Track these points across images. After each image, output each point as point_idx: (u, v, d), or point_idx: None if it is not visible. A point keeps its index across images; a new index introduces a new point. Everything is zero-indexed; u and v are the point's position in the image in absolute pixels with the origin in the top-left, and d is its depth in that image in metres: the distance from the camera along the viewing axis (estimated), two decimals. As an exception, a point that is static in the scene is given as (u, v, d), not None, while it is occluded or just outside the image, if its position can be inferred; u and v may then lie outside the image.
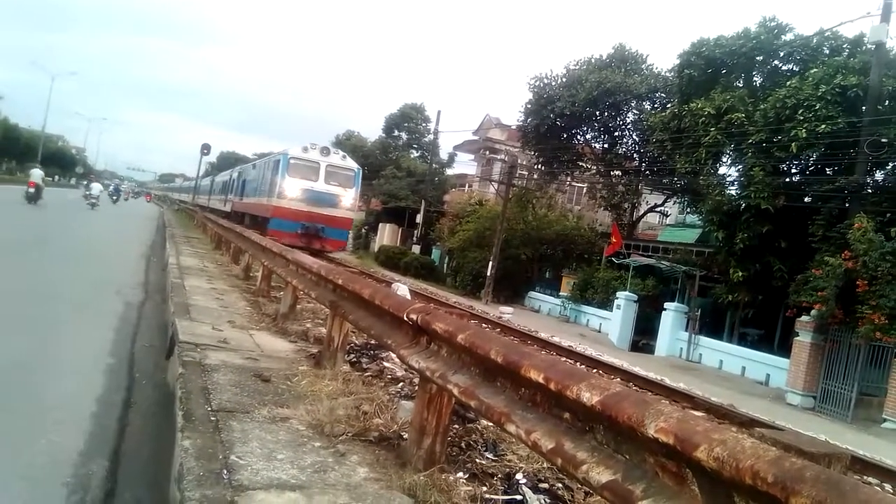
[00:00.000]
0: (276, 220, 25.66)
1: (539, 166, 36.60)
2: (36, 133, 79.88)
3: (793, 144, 18.50)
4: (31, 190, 28.67)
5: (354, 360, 6.99)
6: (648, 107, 30.88)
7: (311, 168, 26.57)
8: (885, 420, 15.39)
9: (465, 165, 55.47)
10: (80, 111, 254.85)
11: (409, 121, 57.81)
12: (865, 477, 7.56)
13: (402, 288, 14.26)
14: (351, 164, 28.45)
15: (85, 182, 55.65)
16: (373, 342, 7.31)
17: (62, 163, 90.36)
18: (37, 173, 31.19)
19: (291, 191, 25.99)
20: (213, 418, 4.36)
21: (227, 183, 45.25)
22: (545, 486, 4.09)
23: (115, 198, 52.79)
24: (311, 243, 25.06)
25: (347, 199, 27.33)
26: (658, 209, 35.13)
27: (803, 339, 17.57)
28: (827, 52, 21.72)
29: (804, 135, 18.11)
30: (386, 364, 6.87)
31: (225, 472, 3.52)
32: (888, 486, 7.63)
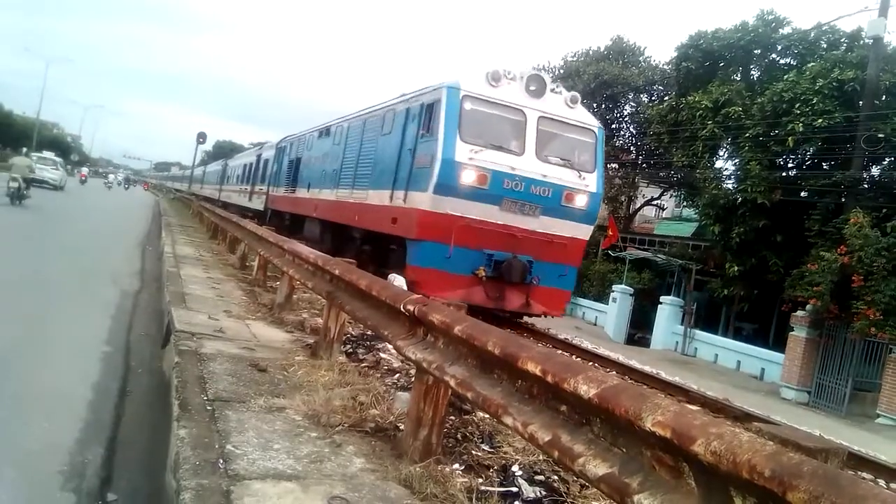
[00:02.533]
0: (429, 247, 11.55)
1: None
2: (30, 120, 79.43)
3: (789, 139, 18.54)
4: (83, 178, 56.94)
5: (351, 350, 7.00)
6: (646, 99, 30.92)
7: (507, 122, 11.99)
8: (878, 416, 15.49)
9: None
10: (76, 99, 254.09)
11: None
12: (860, 472, 7.59)
13: (399, 279, 14.24)
14: (587, 117, 13.06)
15: (105, 172, 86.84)
16: (369, 333, 7.31)
17: (57, 150, 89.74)
18: (85, 169, 62.84)
19: (467, 176, 11.33)
20: (209, 407, 4.36)
21: (253, 167, 30.97)
22: (541, 478, 4.10)
23: (126, 186, 72.14)
24: (507, 298, 11.99)
25: (583, 197, 12.21)
26: (654, 202, 35.19)
27: (798, 333, 17.66)
28: (824, 46, 21.75)
29: (801, 129, 18.15)
30: (382, 355, 6.87)
31: (221, 461, 3.52)
32: (882, 482, 7.67)
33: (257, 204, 27.55)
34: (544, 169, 11.81)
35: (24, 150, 40.37)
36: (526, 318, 13.59)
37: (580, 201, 12.11)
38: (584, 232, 12.60)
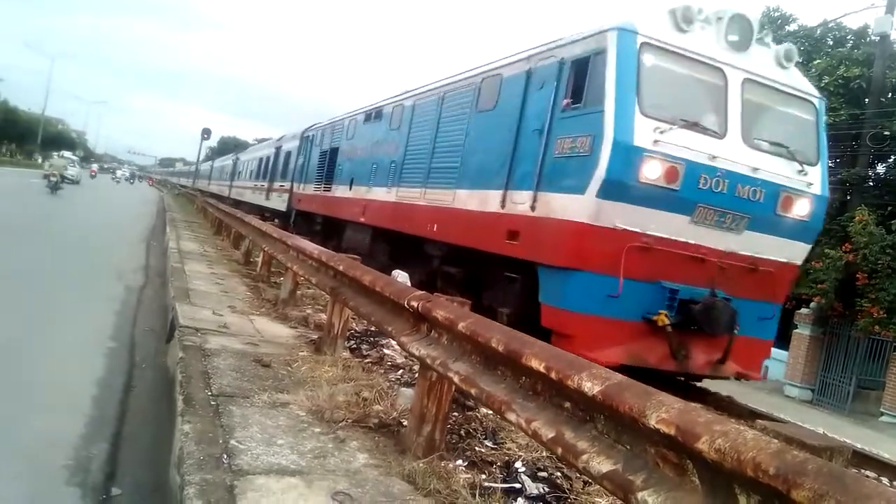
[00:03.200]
0: (583, 280, 7.50)
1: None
2: (35, 116, 79.83)
3: (795, 136, 18.48)
4: (93, 174, 61.98)
5: (354, 346, 7.00)
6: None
7: (702, 87, 8.04)
8: (882, 414, 15.48)
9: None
10: (81, 94, 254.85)
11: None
12: (864, 471, 7.58)
13: (402, 275, 14.24)
14: (803, 82, 9.06)
15: (112, 169, 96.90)
16: (373, 329, 7.31)
17: (62, 146, 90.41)
18: (95, 166, 69.64)
19: (652, 169, 7.36)
20: (213, 403, 4.37)
21: (271, 160, 27.41)
22: (544, 474, 4.10)
23: (131, 181, 77.51)
24: (694, 356, 7.96)
25: (804, 203, 8.33)
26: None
27: (802, 331, 17.63)
28: (830, 43, 21.69)
29: (807, 126, 18.08)
30: (386, 351, 6.88)
31: (225, 456, 3.53)
32: (885, 480, 7.66)
33: (277, 203, 24.00)
34: (754, 159, 7.95)
35: (62, 152, 50.22)
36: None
37: (801, 208, 8.26)
38: (799, 253, 8.65)
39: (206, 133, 48.05)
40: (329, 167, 18.01)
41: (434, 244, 11.16)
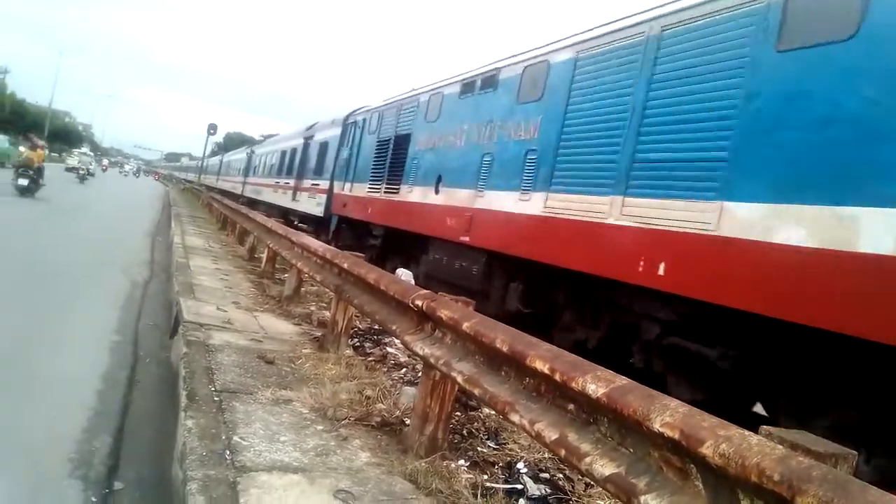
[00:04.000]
0: None
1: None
2: (42, 108, 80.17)
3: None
4: (105, 168, 69.04)
5: (358, 344, 7.00)
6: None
7: None
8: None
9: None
10: (88, 87, 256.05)
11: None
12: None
13: (406, 273, 14.16)
14: None
15: (121, 163, 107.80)
16: (377, 327, 7.31)
17: (69, 139, 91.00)
18: (105, 161, 77.82)
19: None
20: (216, 398, 4.37)
21: (298, 153, 22.91)
22: (546, 476, 4.09)
23: (137, 175, 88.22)
24: None
25: None
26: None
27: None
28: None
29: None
30: (389, 349, 6.88)
31: (227, 452, 3.53)
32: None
33: (310, 206, 19.59)
34: None
35: (83, 149, 57.69)
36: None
37: None
38: None
39: (213, 128, 48.14)
40: (395, 161, 13.54)
41: (652, 298, 6.34)
